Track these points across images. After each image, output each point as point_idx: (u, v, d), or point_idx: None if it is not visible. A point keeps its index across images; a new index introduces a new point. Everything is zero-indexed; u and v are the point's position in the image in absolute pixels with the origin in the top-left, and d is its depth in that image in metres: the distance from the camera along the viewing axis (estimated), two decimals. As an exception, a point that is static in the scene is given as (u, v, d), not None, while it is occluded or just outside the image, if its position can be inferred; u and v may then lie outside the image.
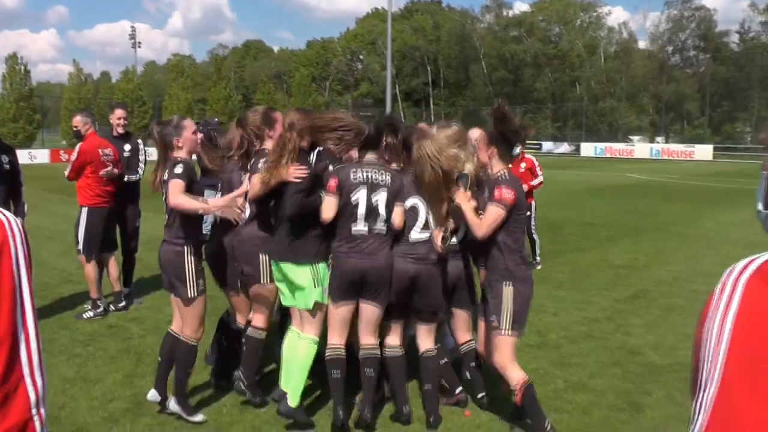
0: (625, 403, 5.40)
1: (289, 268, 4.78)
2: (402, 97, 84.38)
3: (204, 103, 74.53)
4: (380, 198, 4.76)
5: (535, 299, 5.56)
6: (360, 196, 4.74)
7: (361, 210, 4.73)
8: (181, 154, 4.90)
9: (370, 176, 4.78)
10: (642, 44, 79.01)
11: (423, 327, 5.07)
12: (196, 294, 4.84)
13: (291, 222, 4.75)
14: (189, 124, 5.01)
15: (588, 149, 56.17)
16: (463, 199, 4.67)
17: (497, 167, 4.71)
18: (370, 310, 4.86)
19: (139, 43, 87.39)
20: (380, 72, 79.53)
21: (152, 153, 7.90)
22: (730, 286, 0.96)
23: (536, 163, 10.15)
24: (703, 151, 52.70)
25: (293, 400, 4.73)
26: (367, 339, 4.93)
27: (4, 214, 1.42)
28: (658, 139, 67.16)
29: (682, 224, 15.85)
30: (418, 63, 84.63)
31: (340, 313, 4.84)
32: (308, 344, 4.83)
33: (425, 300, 4.91)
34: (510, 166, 4.79)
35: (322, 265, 4.84)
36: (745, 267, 0.98)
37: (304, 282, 4.76)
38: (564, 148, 58.46)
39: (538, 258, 10.47)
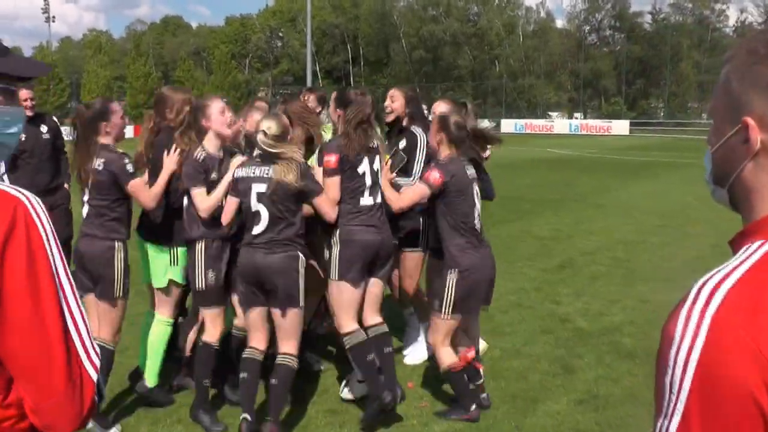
0: (558, 367, 5.62)
1: (150, 248, 4.84)
2: (322, 74, 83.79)
3: (123, 81, 72.54)
4: (379, 166, 4.65)
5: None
6: (365, 167, 4.55)
7: (368, 181, 4.55)
8: (107, 140, 4.50)
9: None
10: (559, 23, 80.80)
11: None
12: (122, 294, 4.49)
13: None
14: (118, 108, 4.65)
15: (508, 126, 57.08)
16: (385, 175, 4.78)
17: (444, 153, 4.67)
18: (379, 287, 4.74)
19: (53, 17, 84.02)
20: (300, 49, 78.81)
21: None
22: (696, 319, 0.99)
23: None
24: (620, 126, 54.46)
25: (150, 381, 4.81)
26: (376, 318, 4.71)
27: (21, 192, 1.34)
28: (577, 114, 68.97)
29: (600, 196, 16.40)
30: (338, 41, 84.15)
31: (357, 294, 4.57)
32: (162, 326, 4.86)
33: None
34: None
35: (181, 249, 4.76)
36: (711, 296, 1.00)
37: (160, 262, 4.80)
38: (485, 124, 59.01)
39: None
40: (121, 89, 76.72)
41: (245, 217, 4.37)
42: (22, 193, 1.33)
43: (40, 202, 1.34)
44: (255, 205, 4.28)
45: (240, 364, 4.43)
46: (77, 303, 1.35)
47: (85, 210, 4.53)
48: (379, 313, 4.76)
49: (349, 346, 4.57)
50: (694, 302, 1.01)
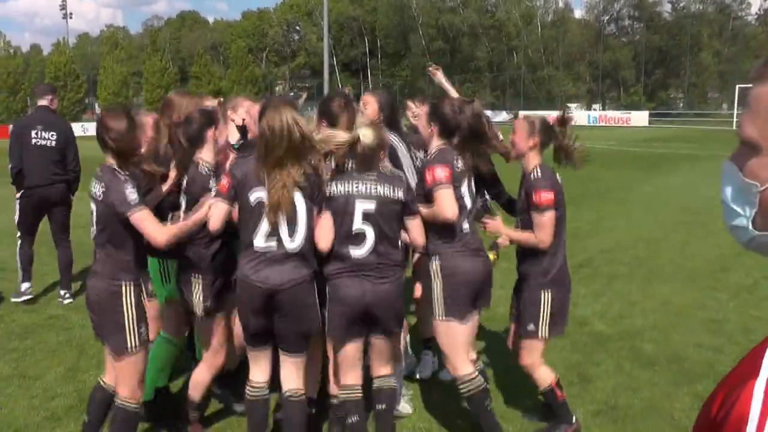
0: (575, 375, 5.44)
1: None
2: (340, 68, 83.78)
3: (140, 77, 72.98)
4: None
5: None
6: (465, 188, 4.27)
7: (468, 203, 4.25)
8: (112, 159, 3.78)
9: None
10: (578, 13, 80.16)
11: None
12: (137, 344, 3.77)
13: None
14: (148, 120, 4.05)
15: (527, 117, 56.56)
16: (502, 229, 4.38)
17: (534, 161, 4.29)
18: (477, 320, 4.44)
19: (71, 13, 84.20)
20: (317, 43, 78.79)
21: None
22: None
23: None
24: (639, 117, 53.92)
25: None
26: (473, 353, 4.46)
27: None
28: (595, 106, 68.39)
29: (621, 190, 16.15)
30: (355, 33, 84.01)
31: (469, 330, 4.23)
32: (163, 342, 4.57)
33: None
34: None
35: (172, 262, 4.35)
36: None
37: (155, 275, 4.48)
38: (503, 116, 58.86)
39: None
40: (138, 85, 77.00)
41: (339, 237, 3.86)
42: None
43: None
44: (359, 224, 3.85)
45: (344, 407, 4.05)
46: None
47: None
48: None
49: (468, 394, 4.16)
50: None
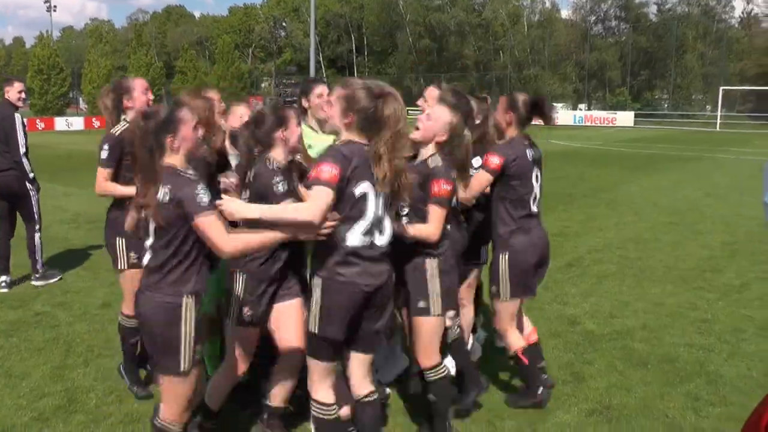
0: (568, 374, 5.41)
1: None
2: (326, 64, 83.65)
3: (124, 70, 72.50)
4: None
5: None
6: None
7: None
8: (174, 160, 3.34)
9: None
10: (564, 14, 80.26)
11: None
12: (190, 366, 3.35)
13: None
14: (188, 116, 3.39)
15: (513, 116, 56.62)
16: None
17: (510, 134, 4.63)
18: None
19: (55, 6, 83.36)
20: (304, 39, 78.63)
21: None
22: None
23: None
24: (625, 118, 54.16)
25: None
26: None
27: None
28: (581, 106, 68.56)
29: (609, 190, 16.18)
30: (342, 30, 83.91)
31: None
32: None
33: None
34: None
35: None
36: None
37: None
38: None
39: None
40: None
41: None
42: None
43: None
44: None
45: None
46: None
47: (147, 256, 3.39)
48: None
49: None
50: None
